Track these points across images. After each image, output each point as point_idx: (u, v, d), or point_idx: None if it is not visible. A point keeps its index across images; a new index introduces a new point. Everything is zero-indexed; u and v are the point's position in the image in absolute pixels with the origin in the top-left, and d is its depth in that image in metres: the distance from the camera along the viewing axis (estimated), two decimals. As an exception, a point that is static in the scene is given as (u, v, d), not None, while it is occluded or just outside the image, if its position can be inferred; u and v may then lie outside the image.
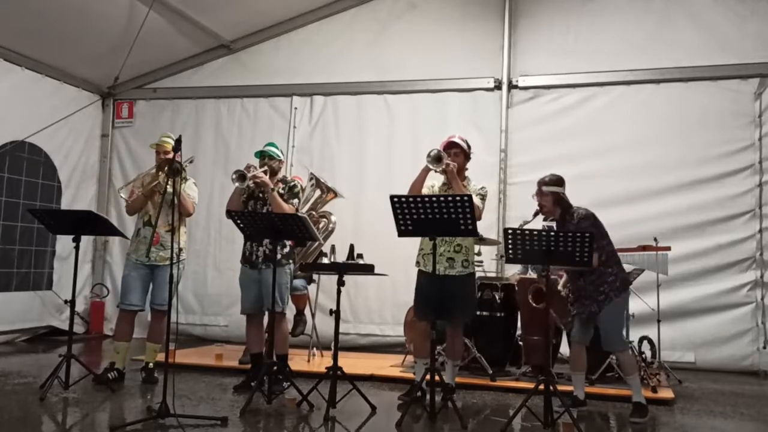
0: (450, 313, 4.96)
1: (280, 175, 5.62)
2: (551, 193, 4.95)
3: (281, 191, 5.44)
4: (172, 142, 5.54)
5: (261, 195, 5.44)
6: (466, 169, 5.25)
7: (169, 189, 4.96)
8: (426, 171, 4.99)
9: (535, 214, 5.05)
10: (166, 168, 5.32)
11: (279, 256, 5.33)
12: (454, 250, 5.05)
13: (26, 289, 7.85)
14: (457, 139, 5.15)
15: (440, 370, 4.76)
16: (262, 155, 5.56)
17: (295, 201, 5.49)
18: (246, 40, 8.72)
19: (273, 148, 5.60)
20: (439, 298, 4.81)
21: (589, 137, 7.42)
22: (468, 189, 5.06)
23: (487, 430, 4.55)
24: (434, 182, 5.22)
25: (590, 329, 4.98)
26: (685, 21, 7.40)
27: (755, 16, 7.20)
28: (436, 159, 4.91)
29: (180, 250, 5.51)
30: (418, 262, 5.21)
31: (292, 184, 5.54)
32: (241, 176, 5.24)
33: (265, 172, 5.37)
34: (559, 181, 5.00)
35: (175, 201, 4.67)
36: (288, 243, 5.46)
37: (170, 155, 5.39)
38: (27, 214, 6.88)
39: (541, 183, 5.00)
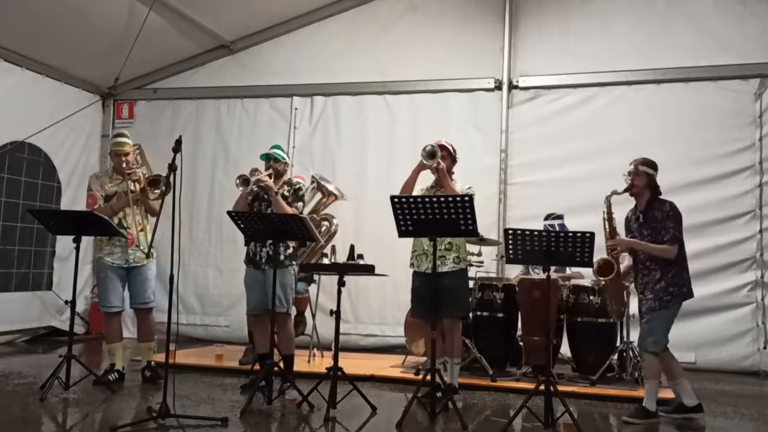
0: (445, 309, 5.00)
1: (285, 178, 5.62)
2: (646, 174, 4.83)
3: (286, 194, 5.44)
4: (130, 143, 5.69)
5: (265, 196, 5.43)
6: (453, 172, 5.40)
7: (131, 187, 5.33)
8: (419, 170, 5.15)
9: (625, 190, 4.89)
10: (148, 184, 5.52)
11: (282, 257, 5.34)
12: (445, 248, 5.17)
13: (26, 290, 7.84)
14: (444, 143, 5.30)
15: (440, 369, 4.76)
16: (267, 158, 5.55)
17: (300, 204, 5.49)
18: (246, 41, 8.71)
19: (278, 151, 5.60)
20: (434, 296, 4.87)
21: (590, 137, 7.41)
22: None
23: (488, 431, 4.55)
24: (423, 186, 5.36)
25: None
26: (685, 21, 7.39)
27: (755, 16, 7.20)
28: (431, 154, 5.05)
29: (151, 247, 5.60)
30: (411, 264, 5.30)
31: (297, 186, 5.54)
32: (244, 181, 5.22)
33: (270, 175, 5.37)
34: (654, 165, 4.88)
35: (158, 206, 4.85)
36: (291, 244, 5.46)
37: (130, 157, 5.66)
38: (26, 215, 6.88)
39: (638, 163, 4.86)
